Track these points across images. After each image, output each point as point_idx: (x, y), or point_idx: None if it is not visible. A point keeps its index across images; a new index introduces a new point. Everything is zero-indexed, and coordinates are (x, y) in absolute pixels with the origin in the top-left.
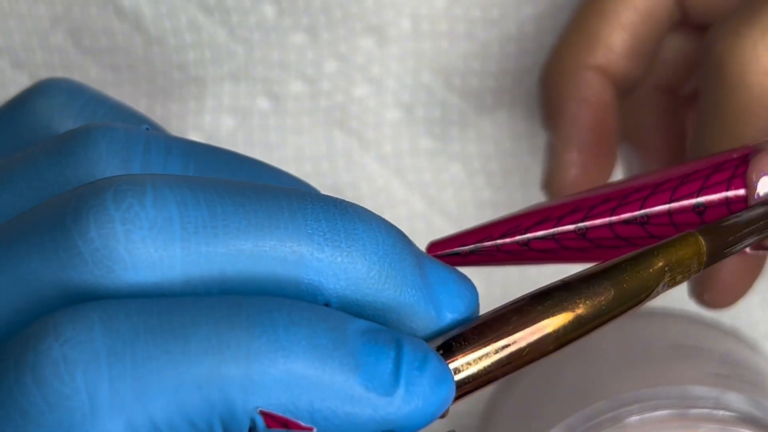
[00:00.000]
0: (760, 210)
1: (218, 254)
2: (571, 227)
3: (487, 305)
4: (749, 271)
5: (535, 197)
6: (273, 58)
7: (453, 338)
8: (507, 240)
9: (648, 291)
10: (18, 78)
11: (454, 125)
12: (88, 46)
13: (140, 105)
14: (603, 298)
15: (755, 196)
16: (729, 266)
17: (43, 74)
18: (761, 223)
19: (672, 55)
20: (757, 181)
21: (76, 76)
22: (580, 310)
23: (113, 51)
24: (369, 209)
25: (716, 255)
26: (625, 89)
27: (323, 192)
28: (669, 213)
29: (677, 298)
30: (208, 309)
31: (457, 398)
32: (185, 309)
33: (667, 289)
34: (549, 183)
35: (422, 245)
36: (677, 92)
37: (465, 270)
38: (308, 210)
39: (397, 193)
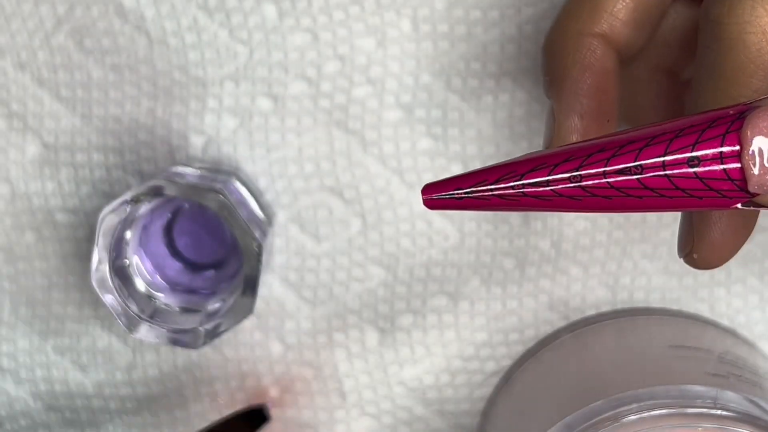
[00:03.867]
0: None
1: None
2: (565, 175)
3: (488, 305)
4: (739, 230)
5: None
6: (273, 59)
7: None
8: (502, 185)
9: None
10: (20, 78)
11: (454, 125)
12: (89, 47)
13: (141, 106)
14: None
15: (749, 152)
16: (718, 225)
17: (45, 75)
18: None
19: (674, 37)
20: (752, 137)
21: (78, 77)
22: None
23: (115, 52)
24: None
25: None
26: (627, 57)
27: (323, 192)
28: (663, 165)
29: (676, 297)
30: None
31: None
32: None
33: None
34: (550, 148)
35: (422, 245)
36: (678, 75)
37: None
38: None
39: (397, 193)
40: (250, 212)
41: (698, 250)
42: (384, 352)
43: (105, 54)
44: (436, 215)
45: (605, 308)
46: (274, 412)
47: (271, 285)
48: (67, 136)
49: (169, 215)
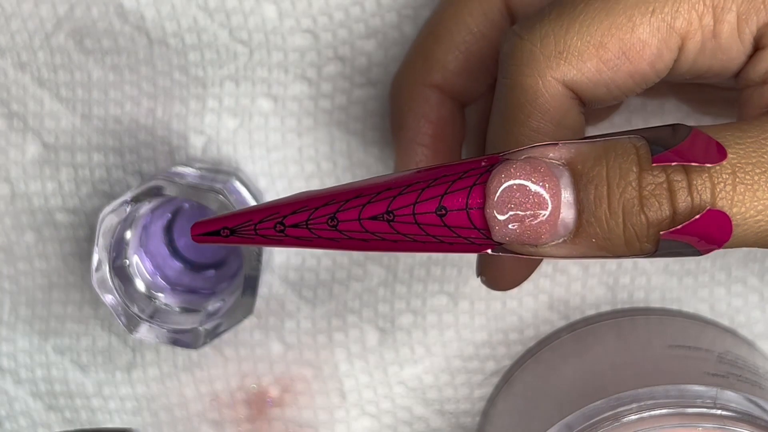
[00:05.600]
0: None
1: None
2: (323, 218)
3: (488, 305)
4: (525, 263)
5: None
6: (273, 60)
7: None
8: (265, 225)
9: None
10: (20, 79)
11: None
12: (89, 47)
13: (141, 106)
14: None
15: (492, 203)
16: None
17: (45, 75)
18: None
19: None
20: (495, 190)
21: (78, 77)
22: None
23: (115, 52)
24: None
25: None
26: (467, 103)
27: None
28: (413, 213)
29: (676, 297)
30: None
31: None
32: None
33: None
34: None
35: None
36: None
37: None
38: None
39: None
40: None
41: (484, 273)
42: (384, 352)
43: (105, 54)
44: None
45: (605, 308)
46: (274, 412)
47: (271, 285)
48: (67, 136)
49: (169, 215)
